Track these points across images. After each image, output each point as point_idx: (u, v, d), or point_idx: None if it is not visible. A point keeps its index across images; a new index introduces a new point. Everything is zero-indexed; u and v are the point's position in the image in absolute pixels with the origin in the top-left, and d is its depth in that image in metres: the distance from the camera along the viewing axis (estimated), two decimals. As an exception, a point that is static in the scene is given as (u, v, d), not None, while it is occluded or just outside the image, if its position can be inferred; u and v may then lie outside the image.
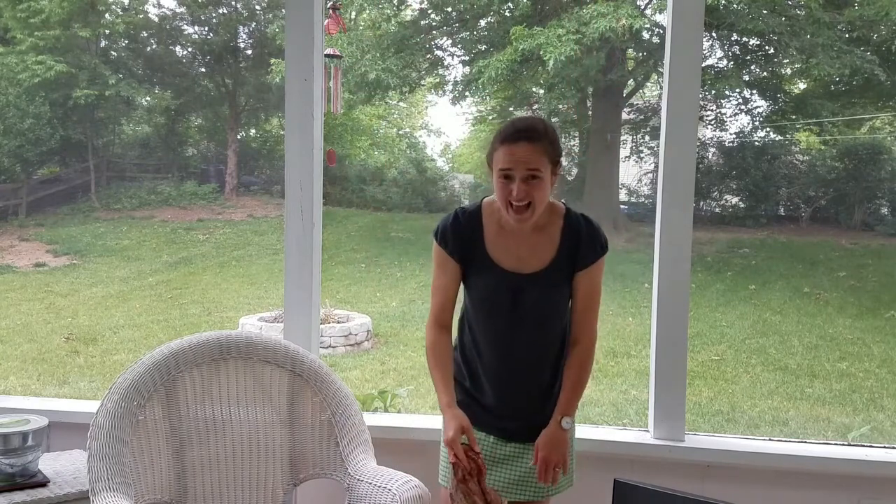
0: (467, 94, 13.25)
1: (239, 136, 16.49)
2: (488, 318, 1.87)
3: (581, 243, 1.85)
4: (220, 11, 16.45)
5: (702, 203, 13.87)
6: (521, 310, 1.83)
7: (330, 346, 7.74)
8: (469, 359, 1.94)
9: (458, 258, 1.86)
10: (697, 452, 2.27)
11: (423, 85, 14.01)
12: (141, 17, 16.06)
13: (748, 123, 14.45)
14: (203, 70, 16.95)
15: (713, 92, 12.80)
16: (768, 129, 14.16)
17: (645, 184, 14.76)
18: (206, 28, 16.53)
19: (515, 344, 1.86)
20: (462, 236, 1.85)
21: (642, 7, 11.79)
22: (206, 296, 10.43)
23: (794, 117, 13.83)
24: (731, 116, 14.38)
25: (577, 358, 1.88)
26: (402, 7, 13.19)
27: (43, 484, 2.08)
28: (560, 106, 13.12)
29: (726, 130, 14.43)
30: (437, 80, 13.68)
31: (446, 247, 1.86)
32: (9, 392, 6.45)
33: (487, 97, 13.48)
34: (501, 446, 1.93)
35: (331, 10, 2.78)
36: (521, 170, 1.73)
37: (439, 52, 13.53)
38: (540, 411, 1.89)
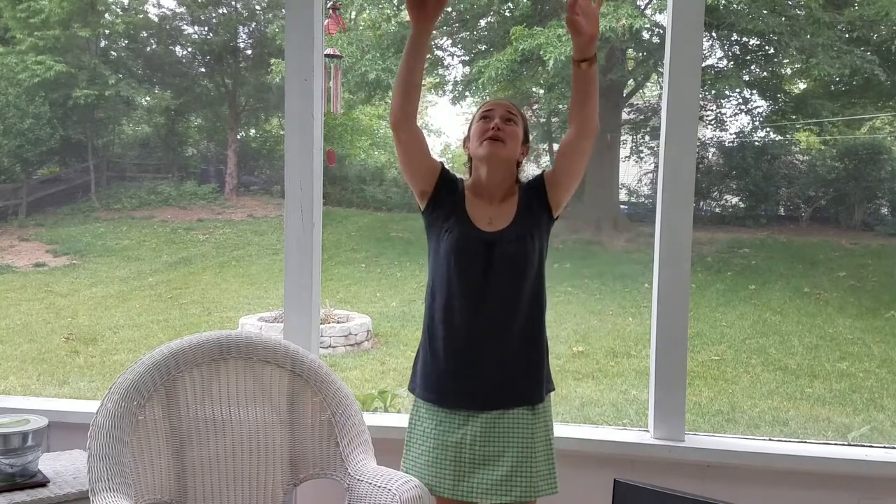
0: (467, 94, 13.26)
1: (239, 136, 16.49)
2: (460, 279, 1.91)
3: (532, 184, 2.01)
4: (220, 11, 16.45)
5: (702, 203, 13.87)
6: (494, 262, 1.89)
7: (330, 346, 7.74)
8: (435, 332, 1.94)
9: (445, 198, 1.98)
10: (697, 452, 2.27)
11: (423, 85, 13.99)
12: (141, 17, 16.06)
13: (748, 123, 14.46)
14: (203, 70, 16.96)
15: (713, 92, 12.80)
16: (768, 129, 14.17)
17: (645, 184, 14.76)
18: (206, 28, 16.53)
19: (488, 297, 1.89)
20: (450, 183, 1.99)
21: (642, 7, 11.79)
22: (206, 296, 10.43)
23: (794, 117, 13.84)
24: (731, 116, 14.40)
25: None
26: (403, 7, 13.19)
27: (43, 484, 2.08)
28: (560, 106, 13.12)
29: (726, 130, 14.44)
30: (437, 80, 13.68)
31: (444, 172, 2.00)
32: (9, 392, 6.45)
33: (487, 97, 13.47)
34: (488, 430, 1.89)
35: (331, 10, 2.78)
36: (501, 110, 1.95)
37: (439, 52, 13.53)
38: (519, 372, 1.91)
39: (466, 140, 2.02)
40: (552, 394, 2.02)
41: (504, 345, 1.91)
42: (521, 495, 1.89)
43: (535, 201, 1.97)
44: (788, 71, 13.70)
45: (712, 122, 14.12)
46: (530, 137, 2.02)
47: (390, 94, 14.21)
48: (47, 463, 2.21)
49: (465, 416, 1.91)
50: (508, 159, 1.95)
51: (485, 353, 1.91)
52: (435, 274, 1.97)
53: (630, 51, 13.24)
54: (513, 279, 1.91)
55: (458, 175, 2.05)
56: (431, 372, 1.95)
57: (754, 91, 13.79)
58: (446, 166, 2.01)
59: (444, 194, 1.98)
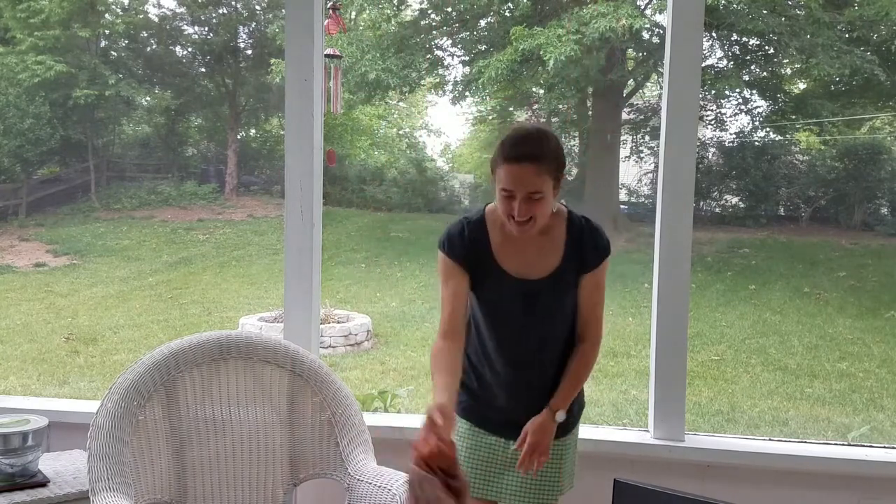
0: (467, 94, 13.25)
1: (239, 136, 16.49)
2: (498, 325, 1.88)
3: (585, 246, 1.86)
4: (220, 11, 16.44)
5: (702, 203, 13.86)
6: (531, 315, 1.85)
7: (330, 346, 7.74)
8: (476, 365, 1.94)
9: (466, 266, 1.85)
10: (697, 452, 2.28)
11: (423, 85, 14.00)
12: (141, 17, 16.06)
13: (748, 123, 14.45)
14: (203, 70, 16.95)
15: (713, 92, 12.80)
16: (768, 129, 14.16)
17: (645, 184, 14.76)
18: (206, 28, 16.53)
19: (525, 347, 1.87)
20: (469, 245, 1.86)
21: (642, 7, 11.79)
22: (206, 296, 10.43)
23: (794, 117, 13.83)
24: (731, 116, 14.39)
25: (581, 355, 1.91)
26: (402, 7, 13.20)
27: (43, 484, 2.08)
28: (560, 106, 13.12)
29: (726, 130, 14.44)
30: (437, 80, 13.68)
31: (454, 255, 1.85)
32: (9, 392, 6.45)
33: (487, 97, 13.47)
34: (511, 448, 1.93)
35: (331, 10, 2.78)
36: (523, 191, 1.73)
37: (439, 52, 13.53)
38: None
39: (493, 169, 1.80)
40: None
41: (537, 396, 1.89)
42: (547, 498, 1.92)
43: (580, 256, 1.86)
44: (788, 71, 13.70)
45: (712, 122, 14.12)
46: (565, 162, 1.81)
47: (390, 93, 13.88)
48: (47, 463, 2.20)
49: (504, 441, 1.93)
50: (540, 225, 1.80)
51: (524, 387, 1.90)
52: (478, 312, 1.92)
53: (630, 51, 13.23)
54: (555, 328, 1.89)
55: (476, 210, 1.89)
56: (470, 397, 1.94)
57: (754, 91, 13.79)
58: (455, 251, 1.84)
59: (471, 260, 1.86)
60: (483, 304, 1.89)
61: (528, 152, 1.73)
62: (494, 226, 1.86)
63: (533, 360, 1.88)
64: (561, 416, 1.86)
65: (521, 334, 1.86)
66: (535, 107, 13.92)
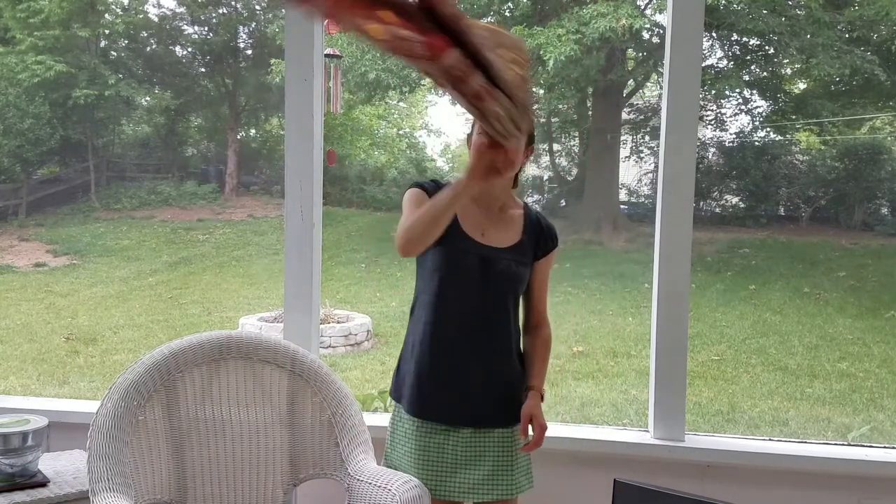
0: (467, 94, 13.23)
1: (239, 136, 16.50)
2: (453, 287, 1.87)
3: (542, 232, 1.96)
4: (220, 11, 16.45)
5: (702, 203, 13.87)
6: (486, 279, 1.87)
7: (330, 346, 7.74)
8: (422, 342, 1.90)
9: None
10: (697, 452, 2.28)
11: (423, 85, 14.01)
12: (141, 17, 16.06)
13: (748, 123, 14.46)
14: (203, 70, 16.96)
15: (713, 92, 12.80)
16: (768, 129, 14.17)
17: (645, 184, 14.76)
18: (206, 28, 16.53)
19: (477, 308, 1.87)
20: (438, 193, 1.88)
21: (642, 7, 11.79)
22: (206, 296, 10.43)
23: (794, 117, 13.84)
24: (731, 116, 14.40)
25: (542, 340, 1.98)
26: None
27: (43, 484, 2.08)
28: (560, 106, 13.12)
29: (726, 130, 14.45)
30: (438, 80, 13.67)
31: (426, 191, 1.87)
32: (9, 392, 6.45)
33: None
34: (469, 440, 1.90)
35: (331, 10, 2.78)
36: None
37: (439, 52, 13.51)
38: (502, 385, 1.91)
39: (469, 140, 1.93)
40: None
41: (490, 364, 1.89)
42: (503, 493, 1.90)
43: (531, 244, 1.94)
44: (788, 71, 13.71)
45: (712, 122, 14.12)
46: (535, 135, 1.92)
47: (390, 93, 13.86)
48: (47, 463, 2.20)
49: (446, 428, 1.91)
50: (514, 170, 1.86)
51: (472, 371, 1.88)
52: (423, 287, 1.92)
53: (630, 51, 13.23)
54: (507, 297, 1.90)
55: (450, 178, 1.97)
56: (414, 385, 1.91)
57: (754, 91, 13.79)
58: (429, 187, 1.89)
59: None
60: (440, 264, 1.87)
61: None
62: None
63: (482, 323, 1.88)
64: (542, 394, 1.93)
65: (475, 295, 1.86)
66: (535, 107, 13.91)
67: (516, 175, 1.93)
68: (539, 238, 1.95)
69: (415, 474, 1.90)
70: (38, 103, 14.13)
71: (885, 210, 13.78)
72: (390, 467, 1.97)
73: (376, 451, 2.08)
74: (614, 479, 1.36)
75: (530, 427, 1.87)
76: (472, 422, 1.90)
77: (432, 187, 1.89)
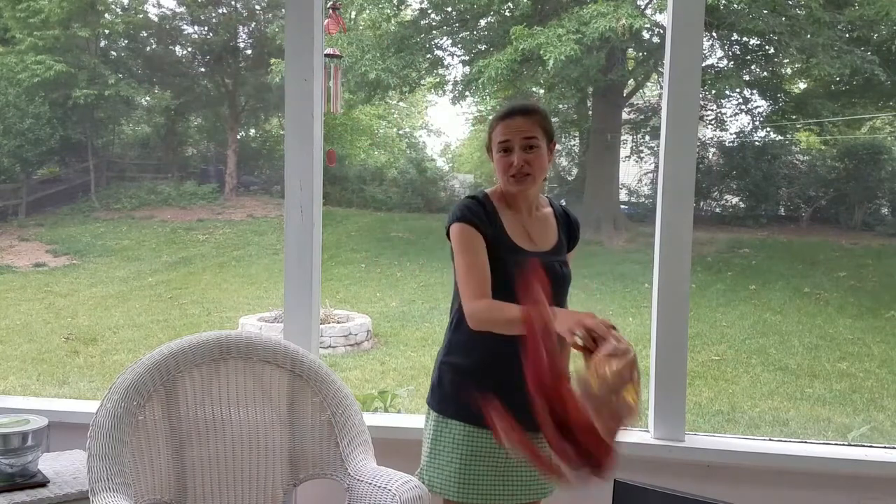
0: (467, 94, 13.25)
1: (239, 136, 16.49)
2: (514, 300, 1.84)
3: (571, 226, 2.00)
4: (220, 11, 16.44)
5: (702, 203, 13.87)
6: (551, 285, 1.84)
7: (330, 346, 7.74)
8: (507, 358, 1.80)
9: (487, 236, 1.84)
10: (697, 452, 2.28)
11: (423, 85, 14.01)
12: (141, 17, 16.05)
13: (748, 123, 14.46)
14: (203, 70, 16.95)
15: (713, 92, 12.80)
16: (768, 129, 14.17)
17: (645, 184, 14.77)
18: (206, 28, 16.53)
19: None
20: (485, 217, 1.86)
21: (642, 7, 11.79)
22: (206, 296, 10.43)
23: (794, 117, 13.84)
24: (731, 116, 14.40)
25: None
26: (402, 7, 13.19)
27: (43, 484, 2.08)
28: (560, 106, 13.13)
29: (726, 130, 14.45)
30: (437, 80, 13.68)
31: (476, 225, 1.83)
32: (9, 392, 6.45)
33: (487, 97, 13.45)
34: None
35: (331, 10, 2.78)
36: (519, 139, 1.83)
37: (439, 52, 13.53)
38: None
39: (488, 149, 1.92)
40: None
41: None
42: (549, 489, 1.95)
43: (569, 234, 1.98)
44: (788, 71, 13.71)
45: (712, 122, 14.12)
46: (554, 131, 1.92)
47: (390, 93, 13.79)
48: (47, 463, 2.20)
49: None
50: (538, 182, 1.89)
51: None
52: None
53: (630, 51, 13.23)
54: (563, 292, 1.92)
55: (478, 191, 1.93)
56: (468, 394, 1.81)
57: (754, 91, 13.79)
58: (478, 220, 1.83)
59: (489, 232, 1.85)
60: (505, 276, 1.81)
61: (519, 107, 1.88)
62: (500, 203, 1.91)
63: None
64: None
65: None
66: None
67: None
68: (570, 233, 1.99)
69: (467, 481, 1.87)
70: (38, 103, 14.13)
71: (885, 210, 13.79)
72: (431, 479, 1.91)
73: (381, 453, 2.08)
74: (614, 479, 1.36)
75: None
76: (535, 427, 1.87)
77: (480, 217, 1.83)
